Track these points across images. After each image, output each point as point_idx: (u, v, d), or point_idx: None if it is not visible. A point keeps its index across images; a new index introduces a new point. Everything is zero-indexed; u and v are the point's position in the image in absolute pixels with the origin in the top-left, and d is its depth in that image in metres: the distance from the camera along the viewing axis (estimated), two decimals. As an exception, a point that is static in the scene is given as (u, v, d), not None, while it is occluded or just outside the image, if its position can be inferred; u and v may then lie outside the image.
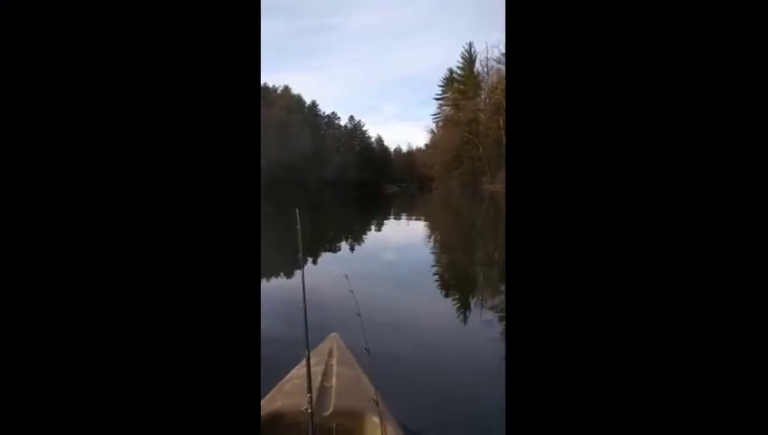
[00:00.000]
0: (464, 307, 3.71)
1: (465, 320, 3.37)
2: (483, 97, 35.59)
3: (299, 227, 1.85)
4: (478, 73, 37.12)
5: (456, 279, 5.06)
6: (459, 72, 39.20)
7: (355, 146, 48.55)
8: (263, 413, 1.25)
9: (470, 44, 38.22)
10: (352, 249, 7.25)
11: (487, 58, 35.29)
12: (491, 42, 34.92)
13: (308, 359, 1.21)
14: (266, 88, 40.78)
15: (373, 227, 10.94)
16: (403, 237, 9.02)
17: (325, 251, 6.78)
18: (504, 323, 3.11)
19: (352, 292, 1.69)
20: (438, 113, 42.25)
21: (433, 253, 7.12)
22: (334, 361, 1.60)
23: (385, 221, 12.44)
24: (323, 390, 1.38)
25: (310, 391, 1.13)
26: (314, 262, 5.85)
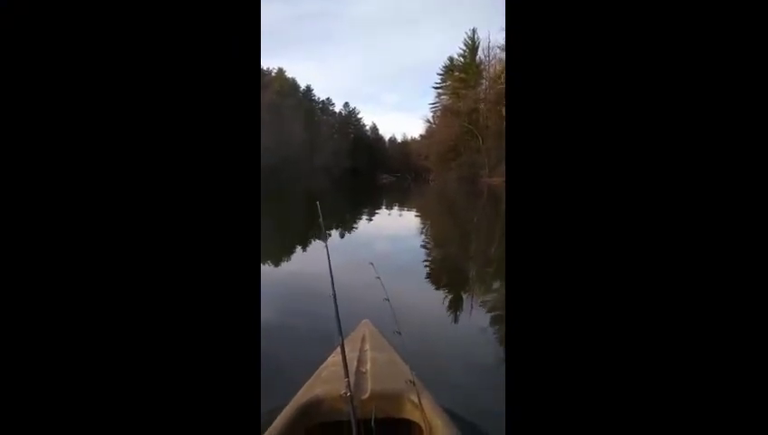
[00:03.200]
0: (455, 305, 3.72)
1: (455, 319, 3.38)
2: (484, 87, 35.57)
3: (321, 220, 2.02)
4: (480, 62, 37.06)
5: (447, 274, 5.06)
6: (460, 59, 39.09)
7: (349, 133, 48.45)
8: (302, 401, 1.29)
9: (473, 30, 38.09)
10: (342, 236, 7.33)
11: (489, 46, 35.21)
12: (495, 26, 34.56)
13: (342, 345, 1.26)
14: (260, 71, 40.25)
15: (365, 217, 10.93)
16: (395, 230, 9.02)
17: (316, 239, 6.87)
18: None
19: (379, 278, 1.72)
20: (436, 102, 42.29)
21: (424, 246, 7.13)
22: (368, 346, 1.65)
23: (377, 211, 12.45)
24: (360, 375, 1.41)
25: (347, 375, 1.17)
26: (304, 249, 5.98)
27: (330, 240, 6.60)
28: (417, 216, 12.34)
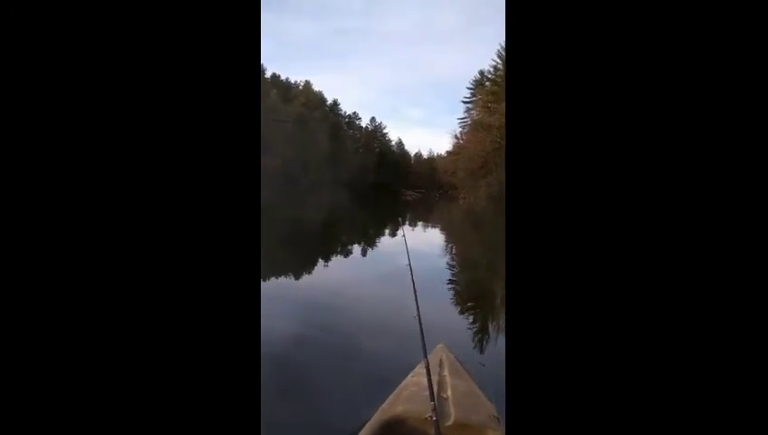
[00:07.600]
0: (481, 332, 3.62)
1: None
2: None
3: (404, 234, 2.26)
4: (513, 76, 36.56)
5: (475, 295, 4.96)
6: (491, 71, 38.93)
7: (375, 148, 48.84)
8: (385, 417, 1.34)
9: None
10: (364, 253, 7.36)
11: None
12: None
13: (428, 368, 1.33)
14: (288, 84, 41.49)
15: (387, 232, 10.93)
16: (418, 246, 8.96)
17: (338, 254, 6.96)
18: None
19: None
20: (465, 117, 41.92)
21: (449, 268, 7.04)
22: (446, 372, 1.67)
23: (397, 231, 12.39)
24: (441, 400, 1.43)
25: (433, 399, 1.21)
26: (326, 264, 6.13)
27: (352, 256, 6.67)
28: (442, 233, 12.23)
